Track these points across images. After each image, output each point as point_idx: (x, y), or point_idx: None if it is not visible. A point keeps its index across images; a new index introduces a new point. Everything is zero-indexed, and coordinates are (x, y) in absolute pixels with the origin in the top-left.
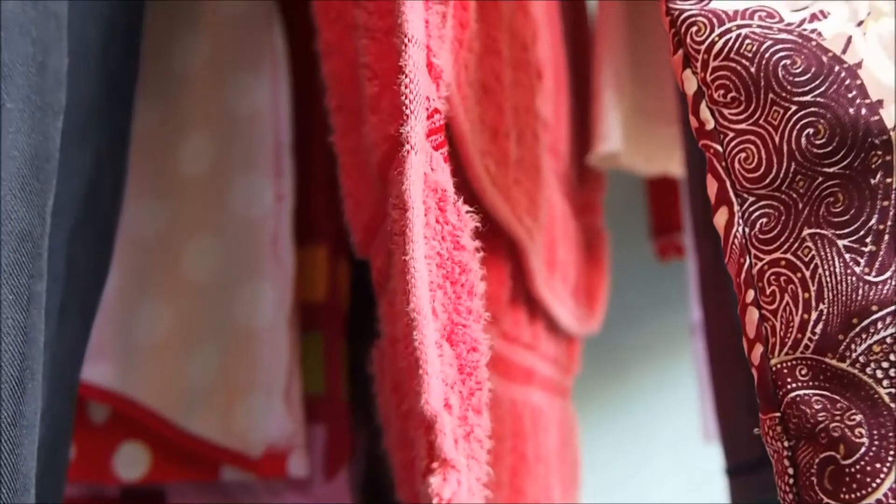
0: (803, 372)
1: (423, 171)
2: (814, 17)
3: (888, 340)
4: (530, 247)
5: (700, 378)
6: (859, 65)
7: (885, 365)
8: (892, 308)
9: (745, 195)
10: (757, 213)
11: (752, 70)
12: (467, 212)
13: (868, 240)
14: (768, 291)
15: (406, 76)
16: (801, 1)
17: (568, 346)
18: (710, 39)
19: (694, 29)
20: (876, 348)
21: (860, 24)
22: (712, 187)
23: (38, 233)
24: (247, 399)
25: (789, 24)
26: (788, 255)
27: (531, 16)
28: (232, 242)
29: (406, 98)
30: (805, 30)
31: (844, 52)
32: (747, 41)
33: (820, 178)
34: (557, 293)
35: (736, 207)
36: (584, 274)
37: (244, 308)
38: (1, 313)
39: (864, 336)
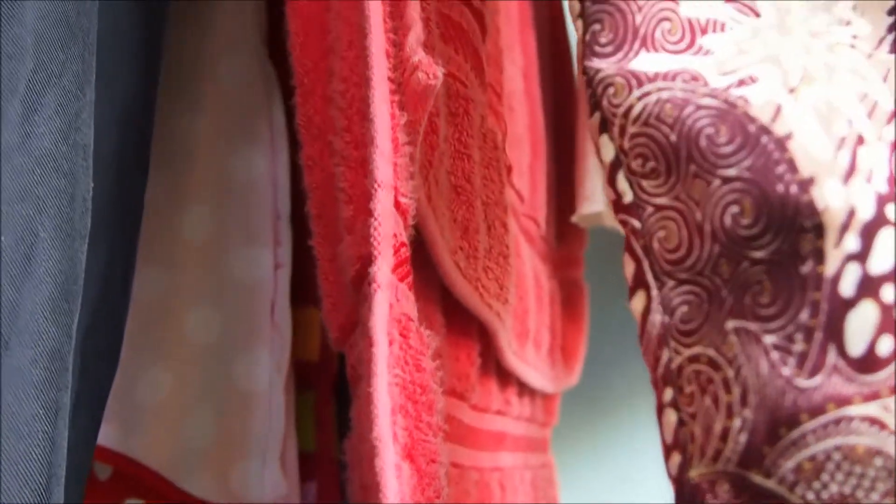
0: (725, 488)
1: (389, 302)
2: (742, 83)
3: (820, 457)
4: (499, 328)
5: None
6: (789, 136)
7: (816, 486)
8: (825, 418)
9: (665, 278)
10: (677, 300)
11: (673, 138)
12: (427, 335)
13: (797, 337)
14: (687, 391)
15: (374, 219)
16: (730, 63)
17: (545, 402)
18: (627, 103)
19: (611, 91)
20: (806, 465)
21: (792, 90)
22: (629, 268)
23: (65, 350)
24: (243, 461)
25: (715, 89)
26: (710, 351)
27: (501, 116)
28: (231, 309)
29: (374, 239)
30: (731, 96)
31: (774, 121)
32: (668, 105)
33: (746, 263)
34: (529, 360)
35: (654, 292)
36: (561, 331)
37: (242, 373)
38: (32, 427)
39: (792, 450)
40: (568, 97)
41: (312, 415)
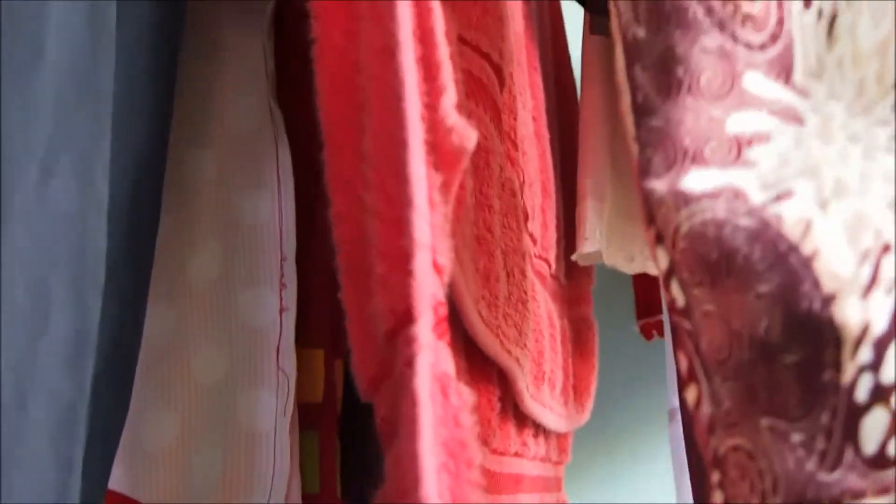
0: None
1: (429, 362)
2: (779, 198)
3: None
4: (518, 374)
5: (676, 463)
6: (815, 255)
7: None
8: None
9: (713, 375)
10: (723, 394)
11: (714, 256)
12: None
13: (819, 436)
14: (731, 476)
15: (414, 280)
16: (772, 176)
17: (559, 441)
18: (677, 221)
19: (663, 209)
20: None
21: (824, 204)
22: (682, 363)
23: (79, 404)
24: (248, 502)
25: (753, 207)
26: (748, 444)
27: (517, 163)
28: (237, 351)
29: (414, 300)
30: (768, 214)
31: (803, 239)
32: (710, 226)
33: (779, 367)
34: (545, 402)
35: (704, 386)
36: (572, 370)
37: (247, 415)
38: (46, 481)
39: None
40: (571, 136)
41: (316, 456)
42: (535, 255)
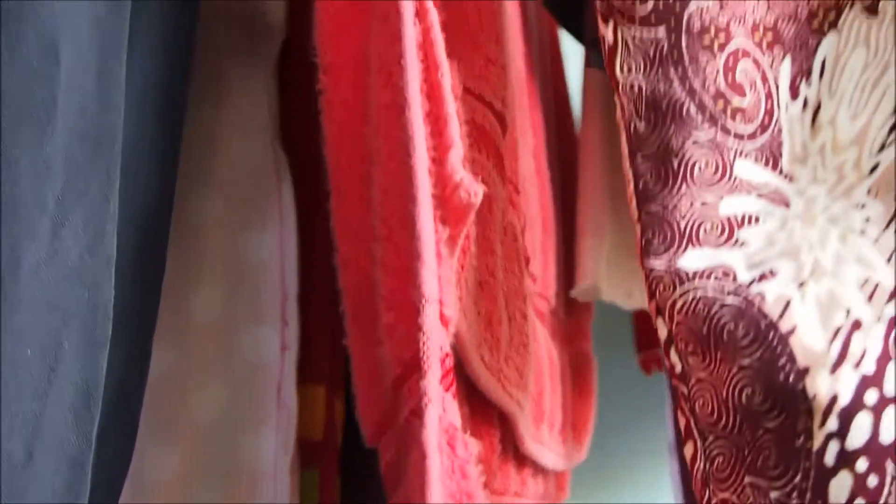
0: None
1: (438, 415)
2: (762, 277)
3: None
4: (519, 416)
5: (677, 497)
6: (792, 331)
7: None
8: None
9: (706, 434)
10: (715, 452)
11: (704, 331)
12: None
13: (794, 495)
14: None
15: (423, 333)
16: (758, 255)
17: (557, 478)
18: (672, 298)
19: (661, 286)
20: None
21: (802, 284)
22: (681, 421)
23: (85, 457)
24: None
25: (739, 286)
26: (735, 498)
27: (519, 207)
28: (238, 389)
29: (423, 354)
30: (752, 292)
31: (781, 316)
32: (700, 304)
33: (761, 431)
34: (544, 441)
35: (699, 444)
36: (571, 407)
37: (248, 453)
38: None
39: None
40: (572, 169)
41: (316, 494)
42: (536, 294)
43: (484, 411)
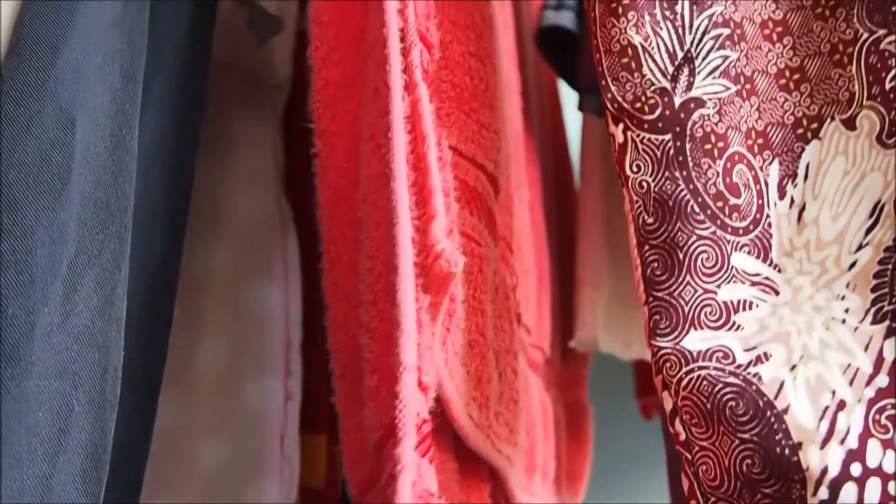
0: None
1: (413, 480)
2: (758, 360)
3: None
4: (510, 471)
5: None
6: (786, 410)
7: None
8: None
9: (710, 497)
10: None
11: (708, 406)
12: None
13: None
14: None
15: (399, 401)
16: (753, 339)
17: None
18: (678, 375)
19: (668, 365)
20: None
21: (793, 368)
22: (685, 483)
23: None
24: None
25: (738, 366)
26: None
27: (512, 266)
28: (242, 439)
29: (399, 421)
30: (749, 373)
31: (777, 396)
32: (704, 382)
33: (759, 496)
34: (536, 493)
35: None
36: (566, 456)
37: (251, 502)
38: None
39: None
40: (570, 217)
41: None
42: (530, 345)
43: (474, 465)
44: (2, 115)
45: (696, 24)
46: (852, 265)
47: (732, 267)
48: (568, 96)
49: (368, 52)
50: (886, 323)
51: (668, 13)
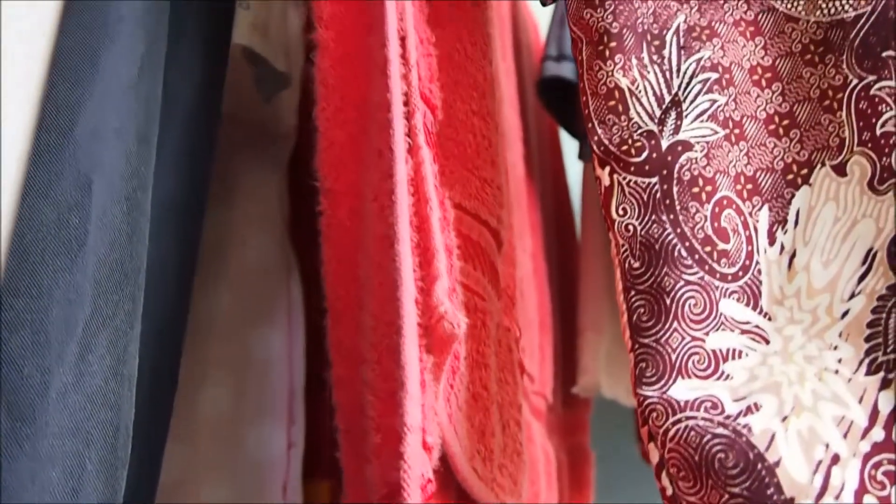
0: None
1: None
2: (748, 411)
3: None
4: None
5: None
6: (778, 463)
7: None
8: None
9: None
10: None
11: (696, 458)
12: None
13: None
14: None
15: (405, 462)
16: (742, 389)
17: None
18: (665, 426)
19: (654, 415)
20: None
21: (785, 419)
22: None
23: None
24: None
25: (728, 417)
26: None
27: (515, 319)
28: (245, 487)
29: (404, 482)
30: (739, 424)
31: (768, 449)
32: (692, 433)
33: None
34: None
35: None
36: (567, 500)
37: None
38: None
39: None
40: (571, 262)
41: None
42: (533, 392)
43: None
44: (24, 178)
45: (683, 67)
46: (845, 314)
47: (721, 314)
48: (569, 144)
49: (373, 115)
50: (881, 374)
51: (655, 57)
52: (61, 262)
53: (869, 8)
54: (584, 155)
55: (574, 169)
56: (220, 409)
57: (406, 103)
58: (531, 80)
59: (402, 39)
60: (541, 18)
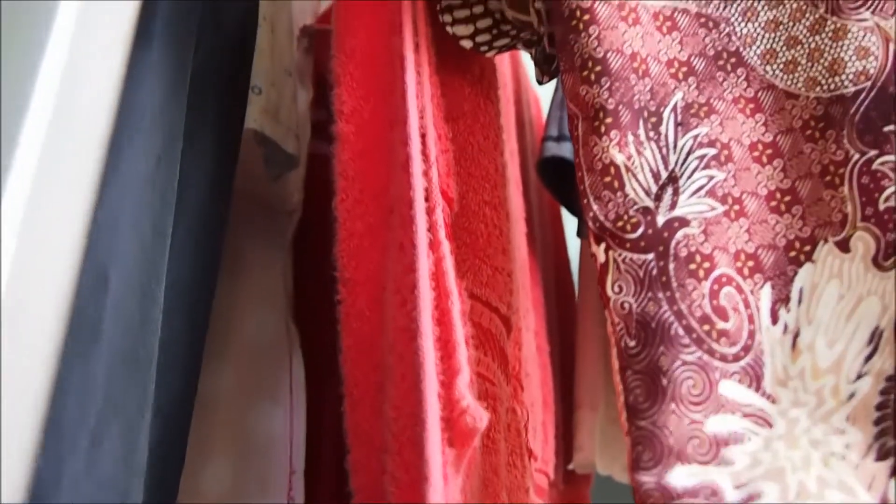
0: None
1: None
2: (750, 498)
3: None
4: None
5: None
6: None
7: None
8: None
9: None
10: None
11: None
12: None
13: None
14: None
15: None
16: (744, 475)
17: None
18: None
19: (651, 501)
20: None
21: None
22: None
23: None
24: None
25: None
26: None
27: (523, 404)
28: None
29: None
30: None
31: None
32: None
33: None
34: None
35: None
36: None
37: None
38: None
39: None
40: (571, 336)
41: None
42: (536, 469)
43: None
44: None
45: (680, 144)
46: (851, 396)
47: (721, 396)
48: (570, 221)
49: (393, 206)
50: (891, 460)
51: (652, 133)
52: (76, 354)
53: (869, 83)
54: (581, 233)
55: (574, 244)
56: (220, 486)
57: (427, 199)
58: (533, 156)
59: (423, 136)
60: (542, 93)
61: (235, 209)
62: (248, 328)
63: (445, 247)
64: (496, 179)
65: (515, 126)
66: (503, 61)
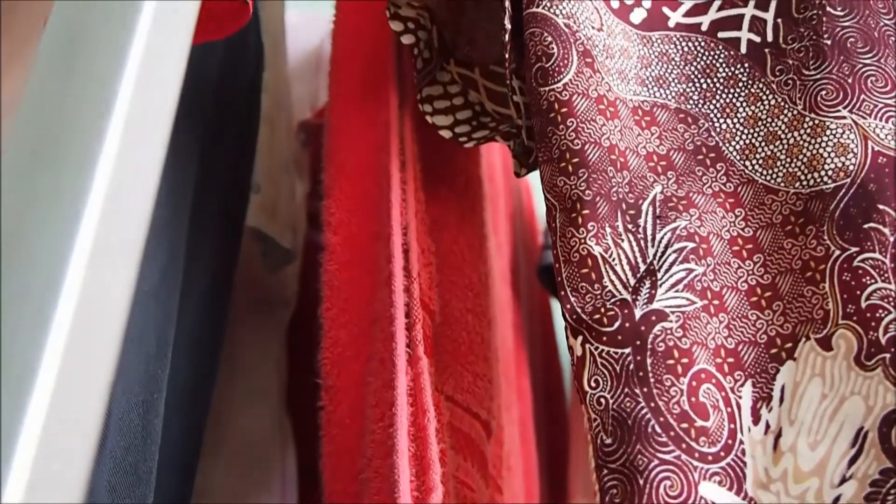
0: None
1: None
2: None
3: None
4: None
5: None
6: None
7: None
8: None
9: None
10: None
11: None
12: None
13: None
14: None
15: None
16: None
17: None
18: None
19: None
20: None
21: None
22: None
23: None
24: None
25: None
26: None
27: (501, 501)
28: None
29: None
30: None
31: None
32: None
33: None
34: None
35: None
36: None
37: None
38: None
39: None
40: (560, 430)
41: None
42: None
43: None
44: None
45: (658, 236)
46: (836, 500)
47: (701, 498)
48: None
49: (376, 320)
50: None
51: (630, 226)
52: None
53: (848, 180)
54: None
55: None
56: None
57: (408, 314)
58: (524, 244)
59: (406, 252)
60: (535, 181)
61: (234, 303)
62: (241, 422)
63: (424, 363)
64: (479, 288)
65: (506, 216)
66: (493, 152)
